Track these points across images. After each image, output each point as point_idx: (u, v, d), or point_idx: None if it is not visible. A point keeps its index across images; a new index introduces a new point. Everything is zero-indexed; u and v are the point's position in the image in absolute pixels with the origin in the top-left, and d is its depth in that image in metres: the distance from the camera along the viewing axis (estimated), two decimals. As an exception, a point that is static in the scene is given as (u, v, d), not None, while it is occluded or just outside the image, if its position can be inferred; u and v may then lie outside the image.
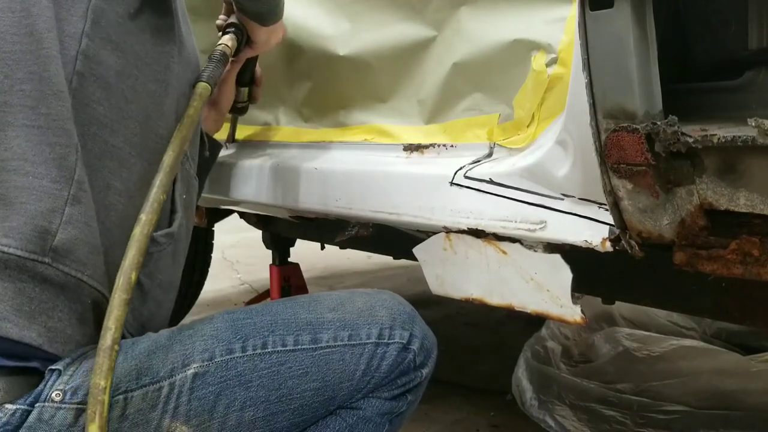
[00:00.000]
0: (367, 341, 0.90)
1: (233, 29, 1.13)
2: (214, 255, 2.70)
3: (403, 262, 2.60)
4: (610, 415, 1.61)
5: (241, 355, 0.84)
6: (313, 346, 0.88)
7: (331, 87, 1.30)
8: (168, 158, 0.88)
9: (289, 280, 2.33)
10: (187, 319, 2.64)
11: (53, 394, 0.76)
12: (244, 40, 1.16)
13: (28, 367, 0.77)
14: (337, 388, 0.88)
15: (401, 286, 3.15)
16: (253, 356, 0.84)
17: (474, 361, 2.15)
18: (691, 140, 0.69)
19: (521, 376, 1.80)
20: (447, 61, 1.07)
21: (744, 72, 0.88)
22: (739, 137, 0.66)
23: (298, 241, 2.31)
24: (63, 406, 0.76)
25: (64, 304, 0.79)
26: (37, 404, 0.75)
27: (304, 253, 2.49)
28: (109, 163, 0.85)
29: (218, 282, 3.26)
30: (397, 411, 0.93)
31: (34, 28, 0.80)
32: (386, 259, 2.62)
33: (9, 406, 0.75)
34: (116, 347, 0.75)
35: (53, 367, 0.77)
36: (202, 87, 0.99)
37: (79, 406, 0.76)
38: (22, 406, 0.75)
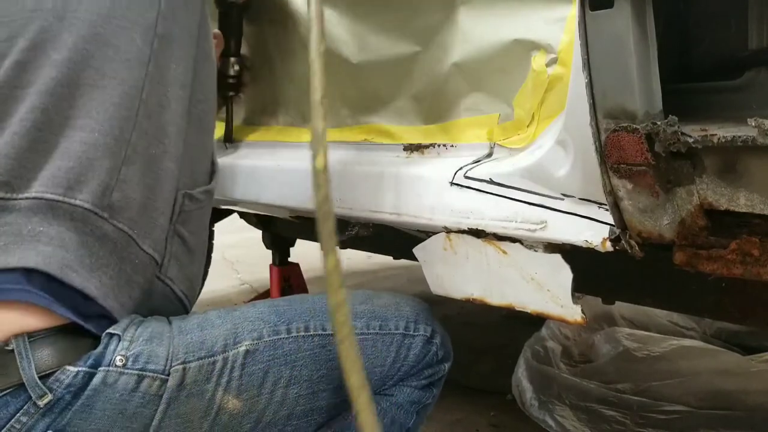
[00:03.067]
0: (396, 332, 0.97)
1: None
2: (214, 255, 2.70)
3: (403, 262, 2.60)
4: (610, 415, 1.61)
5: (286, 336, 0.90)
6: None
7: (331, 87, 1.30)
8: None
9: (289, 280, 2.34)
10: (187, 319, 2.64)
11: (116, 359, 0.79)
12: None
13: (82, 329, 0.80)
14: (371, 372, 0.93)
15: (401, 286, 3.15)
16: (297, 338, 0.91)
17: (474, 361, 2.15)
18: (691, 140, 0.69)
19: (521, 376, 1.80)
20: (447, 61, 1.07)
21: (744, 72, 0.88)
22: (739, 137, 0.66)
23: (298, 241, 2.31)
24: (126, 371, 0.79)
25: (116, 263, 0.84)
26: (100, 368, 0.79)
27: (304, 253, 2.49)
28: (163, 123, 0.89)
29: (218, 282, 3.26)
30: (424, 402, 1.00)
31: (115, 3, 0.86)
32: (386, 259, 2.62)
33: (71, 368, 0.78)
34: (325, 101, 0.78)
35: (111, 331, 0.81)
36: None
37: (140, 372, 0.80)
38: (84, 368, 0.79)
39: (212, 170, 1.03)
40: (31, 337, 0.77)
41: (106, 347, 0.80)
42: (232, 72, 1.34)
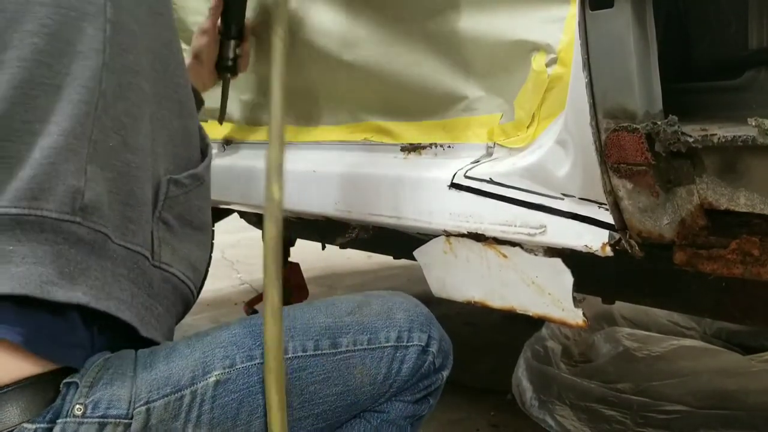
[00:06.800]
0: (386, 344, 0.89)
1: None
2: (214, 255, 2.70)
3: (403, 262, 2.60)
4: (610, 415, 1.61)
5: (261, 361, 0.82)
6: (333, 350, 0.86)
7: (330, 85, 1.30)
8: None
9: (289, 279, 2.34)
10: (188, 318, 2.64)
11: (75, 409, 0.74)
12: None
13: (47, 379, 0.76)
14: (359, 393, 0.87)
15: (401, 286, 3.15)
16: None
17: (474, 361, 2.15)
18: (691, 140, 0.69)
19: (521, 376, 1.80)
20: (447, 61, 1.07)
21: (744, 72, 0.88)
22: (739, 137, 0.66)
23: (298, 241, 2.31)
24: (85, 420, 0.74)
25: (96, 263, 0.79)
26: (58, 420, 0.74)
27: (304, 253, 2.49)
28: (118, 114, 0.83)
29: (218, 282, 3.26)
30: (419, 414, 0.93)
31: None
32: (386, 259, 2.62)
33: (28, 425, 0.73)
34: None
35: (68, 380, 0.76)
36: None
37: (101, 420, 0.74)
38: (42, 425, 0.73)
39: (202, 153, 0.98)
40: None
41: (64, 398, 0.74)
42: (231, 55, 1.35)
